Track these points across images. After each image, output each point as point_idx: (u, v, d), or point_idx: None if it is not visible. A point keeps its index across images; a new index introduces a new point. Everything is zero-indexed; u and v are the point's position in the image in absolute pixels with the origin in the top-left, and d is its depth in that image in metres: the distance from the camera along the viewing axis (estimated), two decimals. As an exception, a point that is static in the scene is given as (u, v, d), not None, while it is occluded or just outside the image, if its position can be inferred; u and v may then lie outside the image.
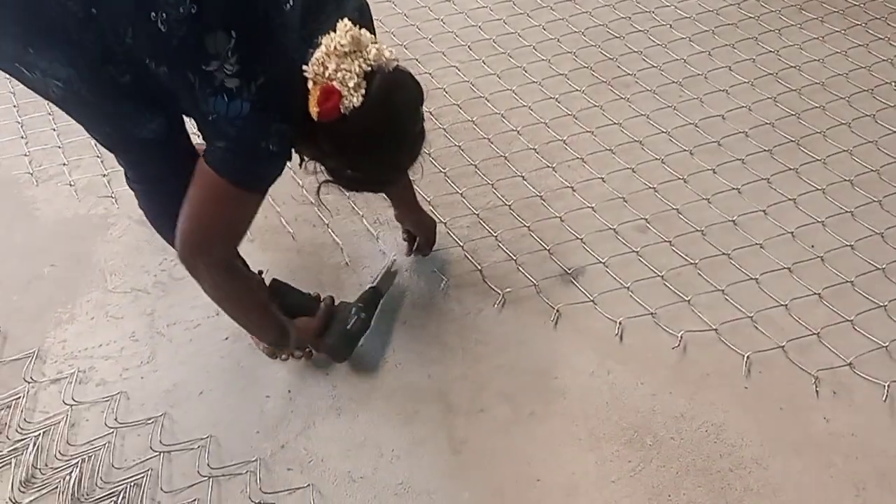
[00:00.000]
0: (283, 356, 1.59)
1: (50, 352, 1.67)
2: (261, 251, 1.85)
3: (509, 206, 1.94)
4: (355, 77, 1.09)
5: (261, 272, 1.72)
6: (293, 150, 1.22)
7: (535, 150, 2.09)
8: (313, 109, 1.12)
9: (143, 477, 1.45)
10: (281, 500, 1.41)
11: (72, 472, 1.46)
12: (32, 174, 2.09)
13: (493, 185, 1.99)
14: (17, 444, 1.51)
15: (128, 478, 1.45)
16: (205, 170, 1.14)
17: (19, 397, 1.58)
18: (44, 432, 1.52)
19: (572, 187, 1.98)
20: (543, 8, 2.60)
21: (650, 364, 1.61)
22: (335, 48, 1.09)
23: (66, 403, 1.57)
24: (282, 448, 1.50)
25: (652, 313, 1.69)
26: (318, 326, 1.55)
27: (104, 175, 2.07)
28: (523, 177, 2.01)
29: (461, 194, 1.97)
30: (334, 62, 1.09)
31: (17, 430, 1.53)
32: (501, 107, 2.23)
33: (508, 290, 1.74)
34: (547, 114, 2.20)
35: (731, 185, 1.97)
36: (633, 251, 1.82)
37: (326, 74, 1.10)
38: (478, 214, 1.92)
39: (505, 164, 2.05)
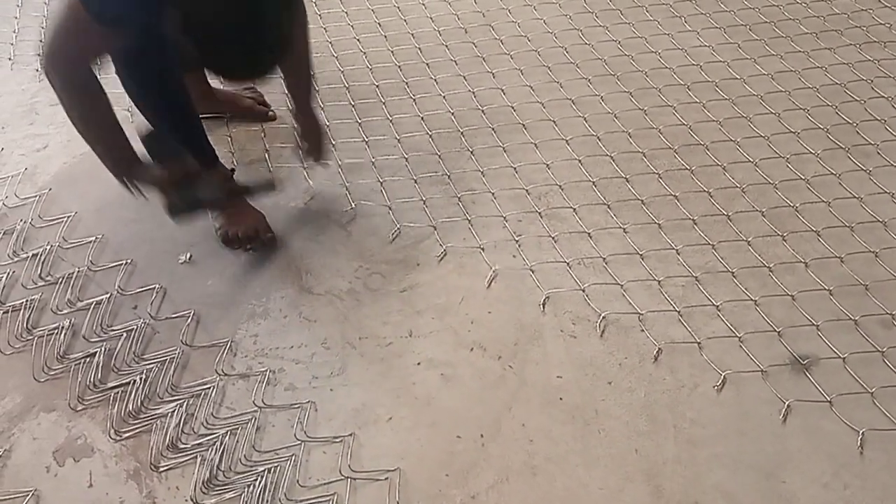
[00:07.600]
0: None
1: (241, 345, 1.62)
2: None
3: (732, 272, 1.75)
4: None
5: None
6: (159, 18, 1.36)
7: (761, 213, 1.88)
8: None
9: (327, 502, 1.37)
10: (474, 562, 1.30)
11: (257, 480, 1.39)
12: (235, 161, 2.07)
13: (713, 245, 1.81)
14: (203, 440, 1.46)
15: (312, 498, 1.37)
16: None
17: (209, 388, 1.54)
18: (230, 431, 1.47)
19: (805, 262, 1.77)
20: (773, 56, 2.38)
21: (897, 488, 1.39)
22: None
23: (255, 405, 1.51)
24: (472, 499, 1.38)
25: (903, 429, 1.47)
26: (172, 178, 1.53)
27: (305, 166, 2.02)
28: (748, 241, 1.82)
29: (676, 251, 1.80)
30: None
31: (203, 424, 1.49)
32: (723, 159, 2.03)
33: (729, 371, 1.56)
34: (776, 174, 1.99)
35: None
36: (878, 350, 1.60)
37: None
38: (696, 276, 1.74)
39: (727, 224, 1.86)
